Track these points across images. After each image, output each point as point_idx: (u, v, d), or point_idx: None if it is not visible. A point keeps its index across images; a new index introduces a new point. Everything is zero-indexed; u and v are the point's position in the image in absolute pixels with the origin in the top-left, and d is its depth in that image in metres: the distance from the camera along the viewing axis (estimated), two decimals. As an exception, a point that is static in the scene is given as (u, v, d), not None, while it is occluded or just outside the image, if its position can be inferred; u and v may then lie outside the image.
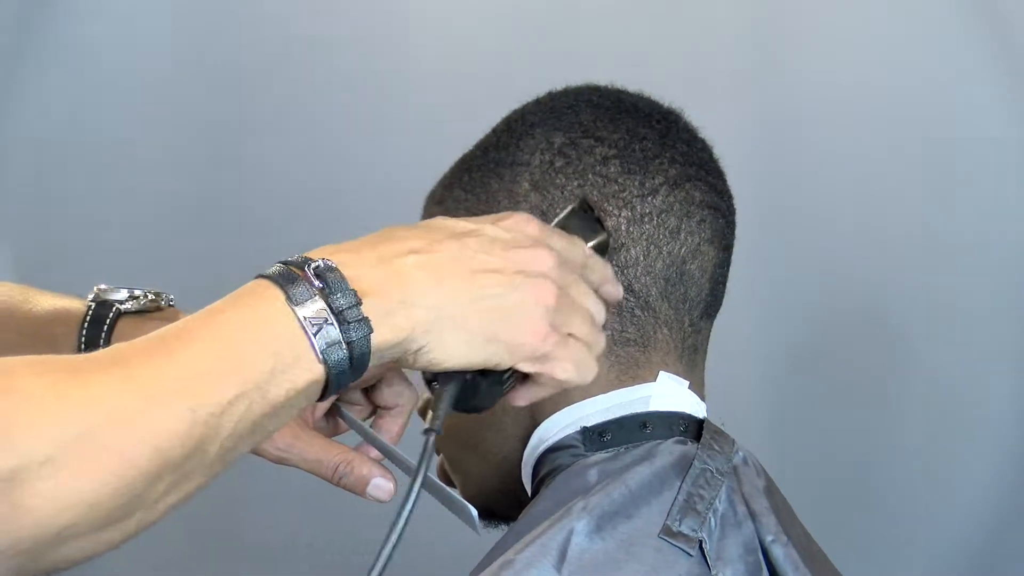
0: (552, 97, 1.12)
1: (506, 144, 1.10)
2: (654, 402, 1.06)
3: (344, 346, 0.82)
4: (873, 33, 2.09)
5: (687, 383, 1.08)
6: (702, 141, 1.12)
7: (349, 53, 2.10)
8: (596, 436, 1.05)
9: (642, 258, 1.06)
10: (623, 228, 1.06)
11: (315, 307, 0.82)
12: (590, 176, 1.07)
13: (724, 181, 1.12)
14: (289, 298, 0.82)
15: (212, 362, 0.79)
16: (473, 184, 1.10)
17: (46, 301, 1.12)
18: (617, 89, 1.14)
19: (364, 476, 1.01)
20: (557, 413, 1.07)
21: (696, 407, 1.08)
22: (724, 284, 1.12)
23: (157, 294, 1.13)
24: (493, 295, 0.87)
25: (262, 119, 2.09)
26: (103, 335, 1.08)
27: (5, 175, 2.09)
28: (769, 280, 2.13)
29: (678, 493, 1.01)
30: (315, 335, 0.81)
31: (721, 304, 1.12)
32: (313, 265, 0.83)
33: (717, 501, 1.02)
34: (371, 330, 0.83)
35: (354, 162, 2.09)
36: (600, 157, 1.07)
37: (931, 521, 2.13)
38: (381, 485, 1.02)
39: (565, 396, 1.05)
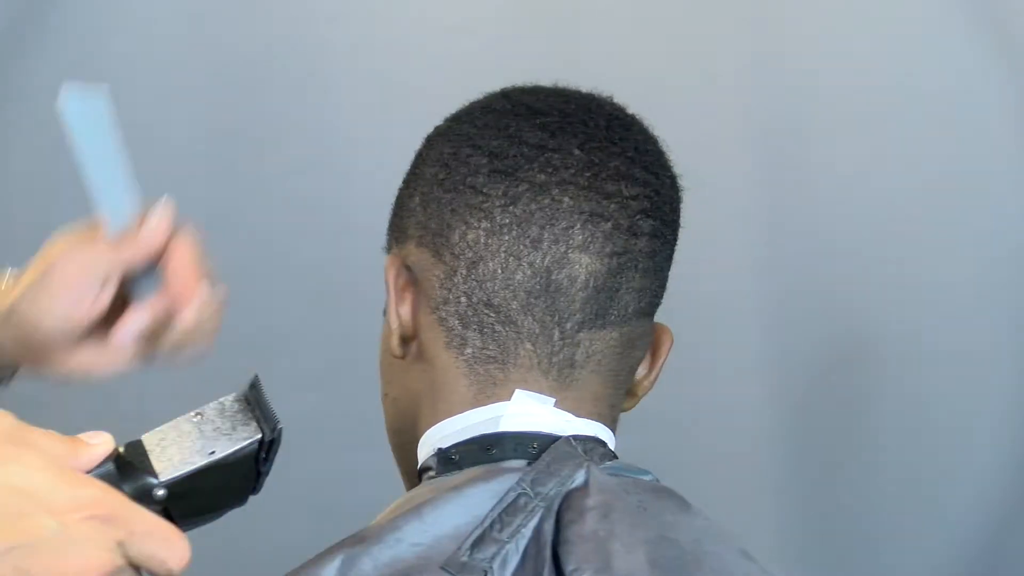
0: (468, 105, 1.09)
1: (415, 157, 1.09)
2: (505, 422, 1.02)
3: None
4: (875, 37, 2.09)
5: (552, 400, 1.03)
6: (617, 143, 1.05)
7: (352, 55, 2.10)
8: (448, 458, 1.03)
9: (500, 271, 1.02)
10: (482, 241, 1.02)
11: None
12: (461, 188, 1.03)
13: (627, 183, 1.04)
14: None
15: None
16: (399, 197, 1.09)
17: None
18: (540, 89, 1.09)
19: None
20: (424, 434, 1.05)
21: (562, 426, 1.03)
22: (618, 292, 1.04)
23: None
24: None
25: (263, 124, 2.09)
26: None
27: (5, 175, 2.09)
28: (772, 288, 2.13)
29: (484, 520, 0.98)
30: None
31: (617, 313, 1.04)
32: None
33: (525, 528, 0.98)
34: None
35: (355, 162, 2.09)
36: (474, 167, 1.04)
37: (932, 524, 2.14)
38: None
39: (432, 416, 1.04)
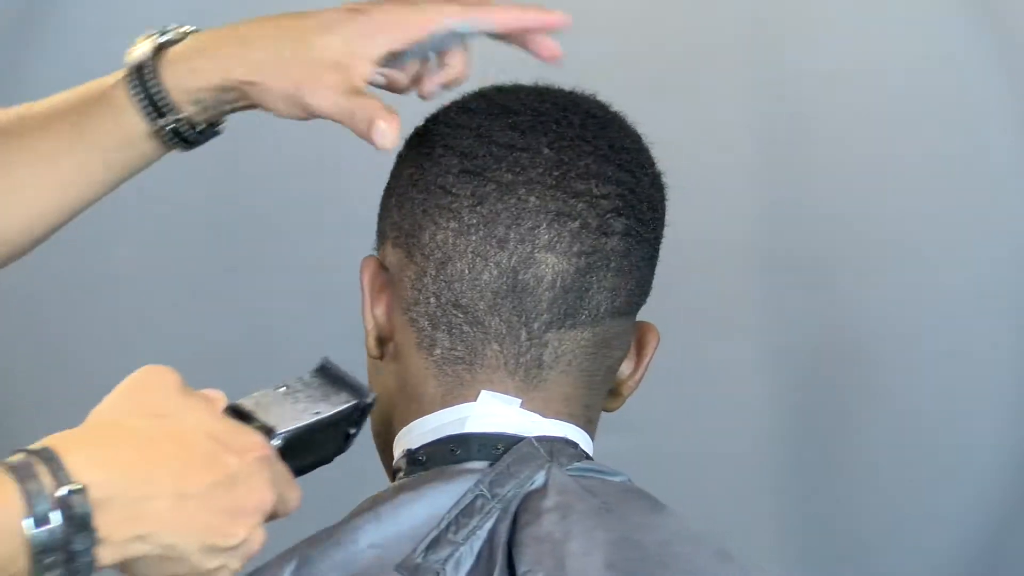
0: (446, 105, 1.09)
1: (396, 157, 1.09)
2: (471, 423, 1.02)
3: (61, 574, 0.82)
4: (875, 37, 2.09)
5: (519, 401, 1.03)
6: (590, 140, 1.05)
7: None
8: (415, 459, 1.03)
9: (467, 271, 1.02)
10: (450, 241, 1.02)
11: (51, 537, 0.80)
12: (432, 188, 1.03)
13: (598, 182, 1.03)
14: (28, 513, 0.80)
15: None
16: (382, 198, 1.09)
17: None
18: (519, 88, 1.09)
19: (371, 117, 1.01)
20: (398, 435, 1.06)
21: (528, 426, 1.03)
22: (589, 292, 1.03)
23: (187, 31, 1.11)
24: (218, 546, 0.87)
25: (263, 124, 2.09)
26: (148, 74, 1.08)
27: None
28: (772, 287, 2.13)
29: (441, 521, 0.98)
30: (39, 562, 0.81)
31: (589, 313, 1.03)
32: (61, 494, 0.81)
33: (481, 530, 0.98)
34: (93, 567, 0.83)
35: (355, 163, 2.09)
36: (445, 167, 1.04)
37: (932, 524, 2.14)
38: (381, 128, 1.01)
39: (405, 417, 1.05)
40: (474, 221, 1.02)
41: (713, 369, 2.15)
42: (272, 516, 0.90)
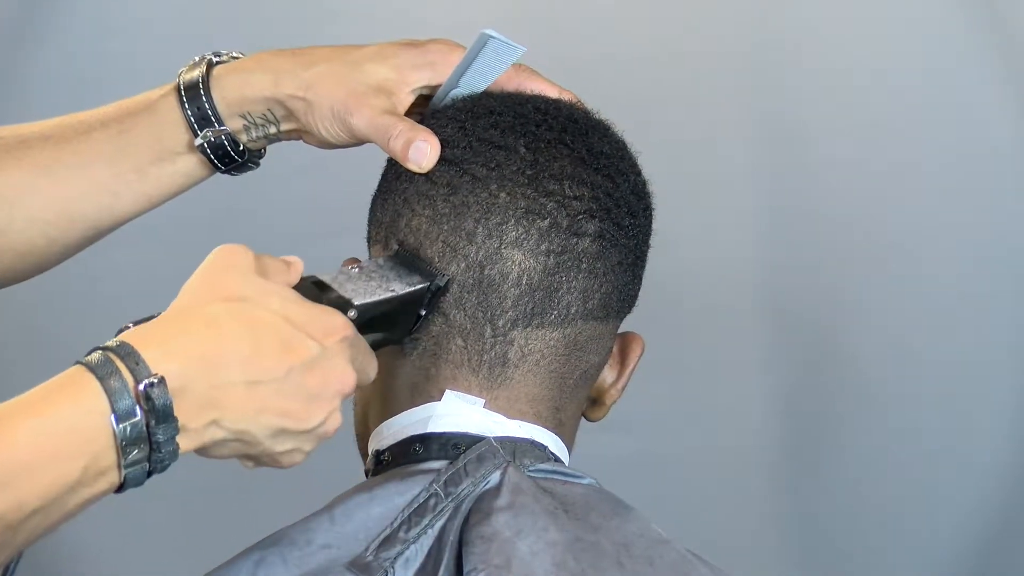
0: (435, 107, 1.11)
1: (387, 161, 1.10)
2: (433, 423, 1.02)
3: (147, 466, 0.85)
4: (875, 37, 2.09)
5: (482, 401, 1.03)
6: (568, 144, 1.05)
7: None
8: (380, 460, 1.04)
9: (436, 260, 1.02)
10: (423, 228, 1.03)
11: (135, 430, 0.83)
12: (414, 176, 1.05)
13: (572, 183, 1.03)
14: (112, 410, 0.83)
15: (20, 469, 0.81)
16: (371, 202, 1.10)
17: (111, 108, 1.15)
18: (507, 93, 1.09)
19: (409, 139, 1.04)
20: (370, 437, 1.07)
21: (490, 427, 1.03)
22: (558, 292, 1.02)
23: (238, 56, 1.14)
24: (291, 429, 0.90)
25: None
26: (201, 89, 1.10)
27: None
28: (773, 288, 2.13)
29: (394, 520, 0.99)
30: (126, 456, 0.83)
31: (558, 314, 1.03)
32: (142, 388, 0.83)
33: (432, 528, 0.98)
34: (177, 454, 0.86)
35: (356, 163, 2.09)
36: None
37: (932, 525, 2.14)
38: (420, 147, 1.04)
39: (376, 419, 1.05)
40: (446, 211, 1.03)
41: (713, 370, 2.15)
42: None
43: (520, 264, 1.02)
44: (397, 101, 1.08)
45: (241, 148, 1.12)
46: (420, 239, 1.03)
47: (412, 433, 1.03)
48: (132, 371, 0.83)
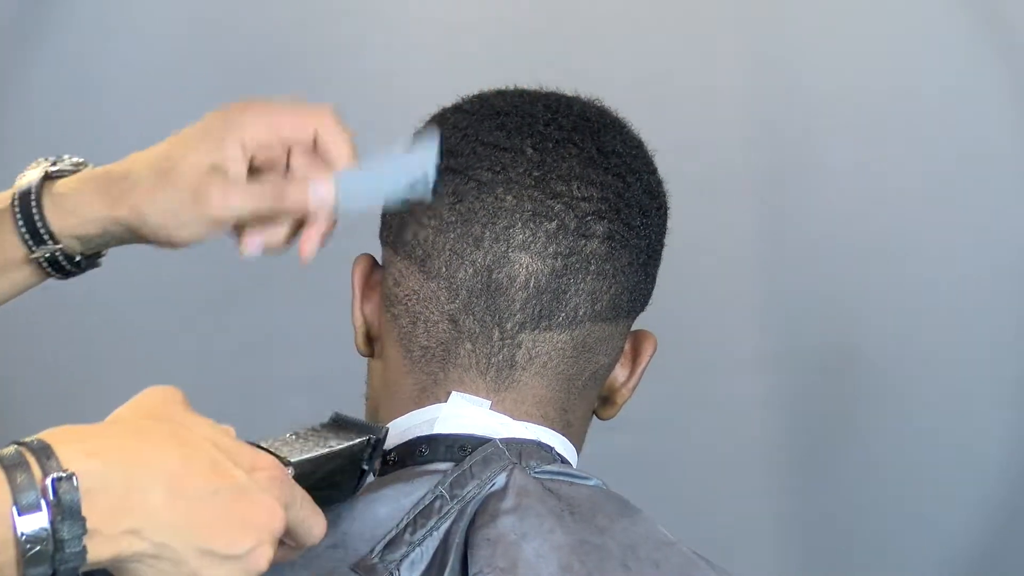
0: (444, 108, 1.09)
1: None
2: (439, 424, 1.02)
3: (50, 568, 0.80)
4: (875, 37, 2.09)
5: (488, 403, 1.02)
6: (577, 143, 1.04)
7: (353, 56, 2.10)
8: (387, 461, 1.03)
9: (444, 269, 1.02)
10: (430, 239, 1.02)
11: (38, 525, 0.79)
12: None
13: (580, 184, 1.02)
14: (14, 501, 0.79)
15: None
16: None
17: None
18: (517, 91, 1.08)
19: (299, 186, 1.01)
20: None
21: (496, 428, 1.02)
22: (566, 294, 1.02)
23: (77, 162, 1.09)
24: (218, 552, 0.84)
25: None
26: (33, 203, 1.06)
27: (5, 175, 2.09)
28: (773, 288, 2.13)
29: (400, 522, 0.98)
30: (25, 553, 0.79)
31: (566, 316, 1.02)
32: (53, 478, 0.79)
33: (437, 531, 0.97)
34: (85, 558, 0.80)
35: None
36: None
37: (932, 525, 2.14)
38: (317, 188, 1.01)
39: (387, 416, 1.05)
40: (453, 219, 1.02)
41: (714, 370, 2.15)
42: (297, 545, 0.88)
43: (528, 267, 1.01)
44: (231, 168, 1.02)
45: (76, 260, 1.08)
46: (428, 250, 1.02)
47: (418, 434, 1.03)
48: (42, 465, 0.79)
